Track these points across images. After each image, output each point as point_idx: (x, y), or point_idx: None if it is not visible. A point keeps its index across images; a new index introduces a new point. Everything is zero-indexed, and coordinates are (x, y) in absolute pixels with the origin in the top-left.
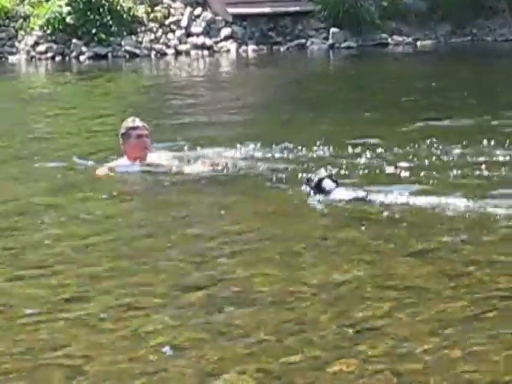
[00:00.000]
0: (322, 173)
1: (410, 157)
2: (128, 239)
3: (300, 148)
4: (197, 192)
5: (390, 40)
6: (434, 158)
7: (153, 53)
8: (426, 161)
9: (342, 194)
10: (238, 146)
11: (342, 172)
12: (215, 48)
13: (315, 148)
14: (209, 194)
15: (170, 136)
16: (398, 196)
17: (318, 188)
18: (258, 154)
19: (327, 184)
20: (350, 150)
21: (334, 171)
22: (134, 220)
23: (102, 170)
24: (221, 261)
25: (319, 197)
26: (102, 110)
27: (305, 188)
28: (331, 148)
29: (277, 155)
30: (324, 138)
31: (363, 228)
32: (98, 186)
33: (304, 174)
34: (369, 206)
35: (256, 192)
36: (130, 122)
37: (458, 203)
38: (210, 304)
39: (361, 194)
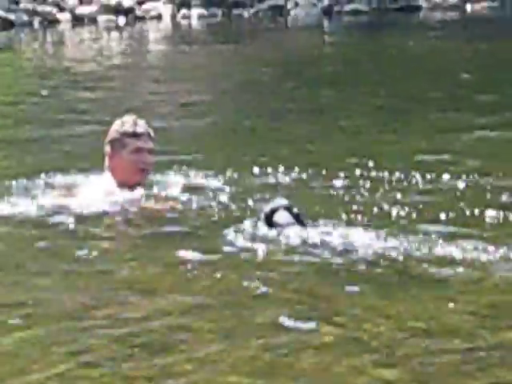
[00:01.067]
0: (279, 202)
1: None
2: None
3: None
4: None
5: (421, 1)
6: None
7: (37, 20)
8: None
9: (297, 231)
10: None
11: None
12: (138, 12)
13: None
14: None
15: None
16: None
17: (269, 222)
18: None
19: (281, 217)
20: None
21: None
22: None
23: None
24: None
25: (268, 233)
26: None
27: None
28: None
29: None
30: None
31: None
32: None
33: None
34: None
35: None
36: (130, 123)
37: None
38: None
39: (327, 236)
